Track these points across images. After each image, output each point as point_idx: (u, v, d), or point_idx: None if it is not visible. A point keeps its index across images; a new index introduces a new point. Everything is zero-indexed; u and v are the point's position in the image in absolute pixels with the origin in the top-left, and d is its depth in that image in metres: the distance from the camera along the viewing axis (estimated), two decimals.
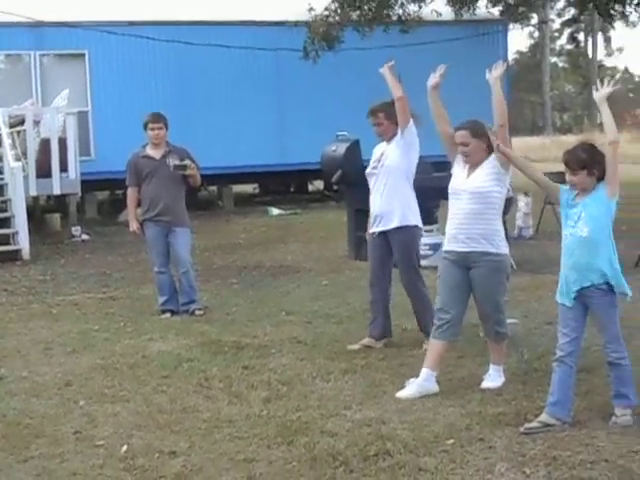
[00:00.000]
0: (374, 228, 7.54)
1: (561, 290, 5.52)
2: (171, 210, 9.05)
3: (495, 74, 6.08)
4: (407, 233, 7.23)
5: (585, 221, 5.37)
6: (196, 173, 9.08)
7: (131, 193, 9.26)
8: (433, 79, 6.61)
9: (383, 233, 7.49)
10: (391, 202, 7.38)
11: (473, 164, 6.18)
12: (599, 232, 5.37)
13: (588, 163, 5.35)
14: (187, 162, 9.00)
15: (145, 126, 9.09)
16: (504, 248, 6.27)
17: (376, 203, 7.52)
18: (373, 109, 7.39)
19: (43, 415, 5.98)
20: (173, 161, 9.03)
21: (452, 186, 6.30)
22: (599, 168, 5.36)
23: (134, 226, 9.19)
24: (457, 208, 6.23)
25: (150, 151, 9.14)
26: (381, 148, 7.57)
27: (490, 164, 6.14)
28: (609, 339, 5.46)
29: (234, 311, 9.23)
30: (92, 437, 5.51)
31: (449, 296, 6.25)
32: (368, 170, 7.63)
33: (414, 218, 7.29)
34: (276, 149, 19.38)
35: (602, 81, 5.61)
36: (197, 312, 9.11)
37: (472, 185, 6.14)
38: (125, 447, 5.28)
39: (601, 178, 5.38)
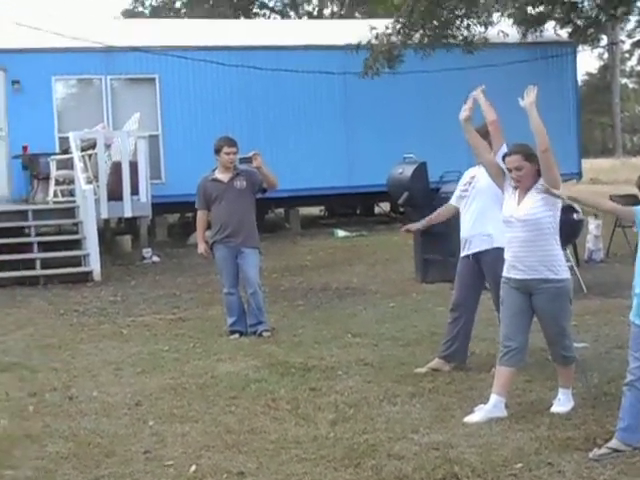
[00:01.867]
0: (465, 251, 7.47)
1: (635, 309, 5.44)
2: (241, 232, 9.16)
3: (528, 100, 6.02)
4: (498, 255, 7.05)
5: None
6: (263, 166, 9.11)
7: (200, 216, 9.41)
8: (464, 112, 6.61)
9: (473, 256, 7.43)
10: (482, 224, 7.32)
11: (524, 189, 6.15)
12: None
13: None
14: (252, 153, 9.07)
15: (218, 150, 9.21)
16: (565, 273, 6.21)
17: (466, 226, 7.46)
18: (483, 130, 7.03)
19: (113, 435, 6.07)
20: (241, 183, 9.17)
21: (504, 214, 6.28)
22: None
23: (202, 248, 9.32)
24: (512, 237, 6.20)
25: (219, 175, 9.27)
26: (472, 171, 7.54)
27: (539, 189, 6.10)
28: None
29: (301, 333, 9.26)
30: (161, 457, 5.57)
31: (513, 323, 6.22)
32: (458, 193, 7.59)
33: (504, 240, 7.05)
34: (343, 171, 19.42)
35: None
36: (265, 333, 9.18)
37: (523, 212, 6.10)
38: (194, 467, 5.33)
39: None
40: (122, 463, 5.48)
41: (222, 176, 9.25)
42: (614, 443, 5.31)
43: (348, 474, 5.13)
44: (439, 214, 8.06)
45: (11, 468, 5.47)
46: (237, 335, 9.18)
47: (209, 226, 9.47)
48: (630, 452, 5.25)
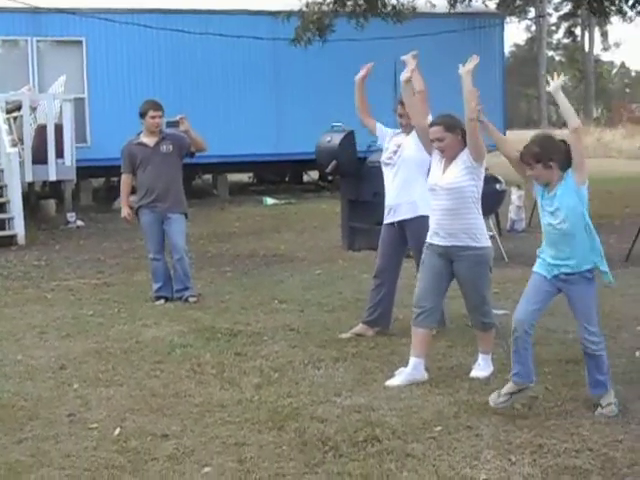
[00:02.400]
0: (389, 219, 7.56)
1: (541, 265, 5.58)
2: (167, 197, 9.13)
3: (467, 67, 6.11)
4: (422, 223, 7.13)
5: (563, 213, 5.41)
6: (190, 129, 9.08)
7: (124, 180, 9.35)
8: (405, 73, 6.70)
9: (398, 223, 7.52)
10: (407, 193, 7.41)
11: (449, 158, 6.26)
12: (577, 222, 5.43)
13: (542, 156, 5.38)
14: (178, 117, 9.04)
15: (143, 114, 9.15)
16: (485, 241, 6.35)
17: (392, 194, 7.54)
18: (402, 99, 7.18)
19: (37, 398, 6.06)
20: (167, 147, 9.13)
21: (429, 182, 6.41)
22: (557, 158, 5.38)
23: (125, 212, 9.28)
24: (435, 204, 6.33)
25: (144, 139, 9.21)
26: (398, 139, 7.58)
27: (463, 158, 6.21)
28: (590, 327, 5.51)
29: (227, 299, 9.30)
30: (86, 420, 5.59)
31: (429, 286, 6.36)
32: (383, 159, 7.65)
33: (428, 208, 6.87)
34: (272, 139, 19.42)
35: (552, 75, 5.69)
36: (191, 299, 9.19)
37: (447, 181, 6.22)
38: (118, 430, 5.36)
39: (567, 167, 5.43)
40: (46, 425, 5.49)
41: (148, 140, 9.19)
42: (510, 387, 5.55)
43: (272, 436, 5.21)
44: (366, 102, 7.82)
45: None
46: (162, 301, 9.17)
47: (134, 191, 9.42)
48: (545, 416, 5.42)
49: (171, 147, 9.14)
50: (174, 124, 9.11)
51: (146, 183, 9.16)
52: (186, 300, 9.16)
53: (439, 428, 5.26)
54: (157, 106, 9.20)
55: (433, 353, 6.74)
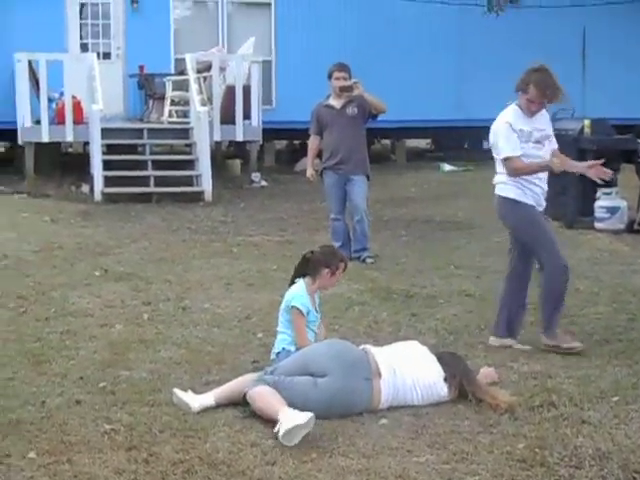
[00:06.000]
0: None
1: None
2: (351, 159, 9.32)
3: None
4: None
5: None
6: (364, 94, 9.24)
7: (312, 141, 9.60)
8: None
9: None
10: None
11: None
12: None
13: None
14: (352, 81, 9.20)
15: (330, 76, 9.36)
16: None
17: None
18: None
19: (223, 344, 6.37)
20: (352, 110, 9.30)
21: None
22: None
23: (309, 172, 9.57)
24: None
25: (332, 101, 9.42)
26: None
27: None
28: None
29: (403, 261, 9.42)
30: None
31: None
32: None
33: None
34: (452, 104, 19.29)
35: None
36: (368, 260, 9.37)
37: None
38: None
39: None
40: (232, 370, 5.75)
41: (335, 102, 9.40)
42: None
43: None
44: None
45: (126, 369, 5.80)
46: None
47: (320, 153, 9.66)
48: None
49: (356, 110, 9.31)
50: (347, 89, 9.22)
51: (331, 145, 9.37)
52: (364, 260, 9.35)
53: (616, 398, 5.24)
54: (342, 67, 9.38)
55: (614, 325, 6.69)
